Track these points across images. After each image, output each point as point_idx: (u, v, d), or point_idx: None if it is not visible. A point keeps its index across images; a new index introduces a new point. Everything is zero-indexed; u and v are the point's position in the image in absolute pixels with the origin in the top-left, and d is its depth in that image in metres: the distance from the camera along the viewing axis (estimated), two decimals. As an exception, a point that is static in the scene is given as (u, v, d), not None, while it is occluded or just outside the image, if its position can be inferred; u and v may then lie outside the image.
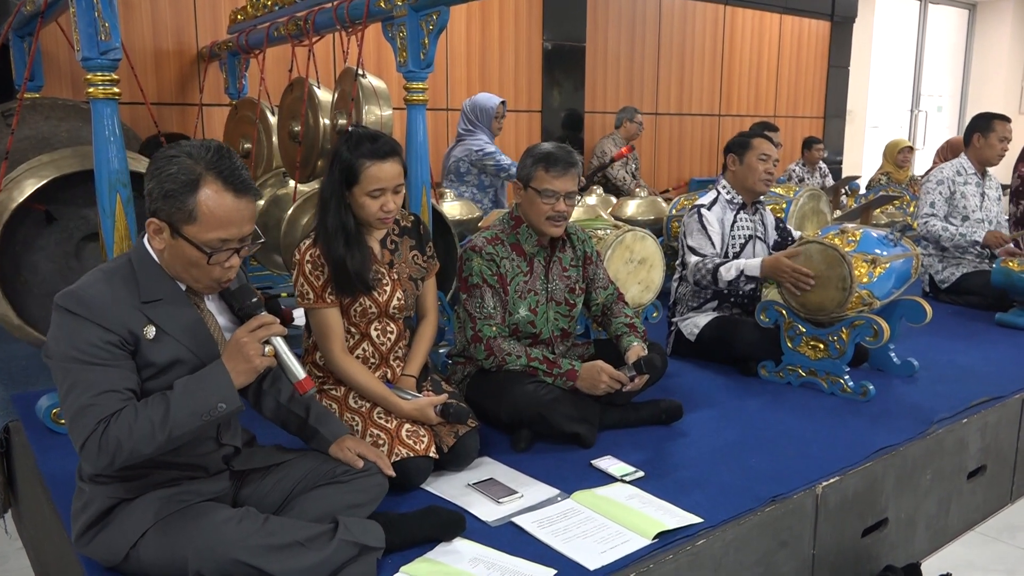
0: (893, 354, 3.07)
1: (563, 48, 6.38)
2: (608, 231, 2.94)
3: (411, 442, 2.06)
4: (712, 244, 3.06)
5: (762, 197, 3.96)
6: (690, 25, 7.28)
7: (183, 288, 1.64)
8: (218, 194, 1.55)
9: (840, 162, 8.90)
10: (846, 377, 2.80)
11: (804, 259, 2.80)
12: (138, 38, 4.56)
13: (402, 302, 2.25)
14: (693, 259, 3.04)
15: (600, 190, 4.90)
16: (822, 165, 7.04)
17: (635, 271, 2.95)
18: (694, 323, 3.20)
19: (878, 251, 2.83)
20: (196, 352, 1.62)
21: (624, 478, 2.15)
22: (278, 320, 1.61)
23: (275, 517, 1.67)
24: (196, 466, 1.70)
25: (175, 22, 4.66)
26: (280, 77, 4.10)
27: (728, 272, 2.94)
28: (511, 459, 2.29)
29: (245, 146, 4.22)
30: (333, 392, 2.21)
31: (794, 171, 6.93)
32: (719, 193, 3.23)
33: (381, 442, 2.05)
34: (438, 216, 3.35)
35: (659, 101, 7.19)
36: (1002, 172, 5.54)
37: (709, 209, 3.13)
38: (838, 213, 5.32)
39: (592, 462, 2.24)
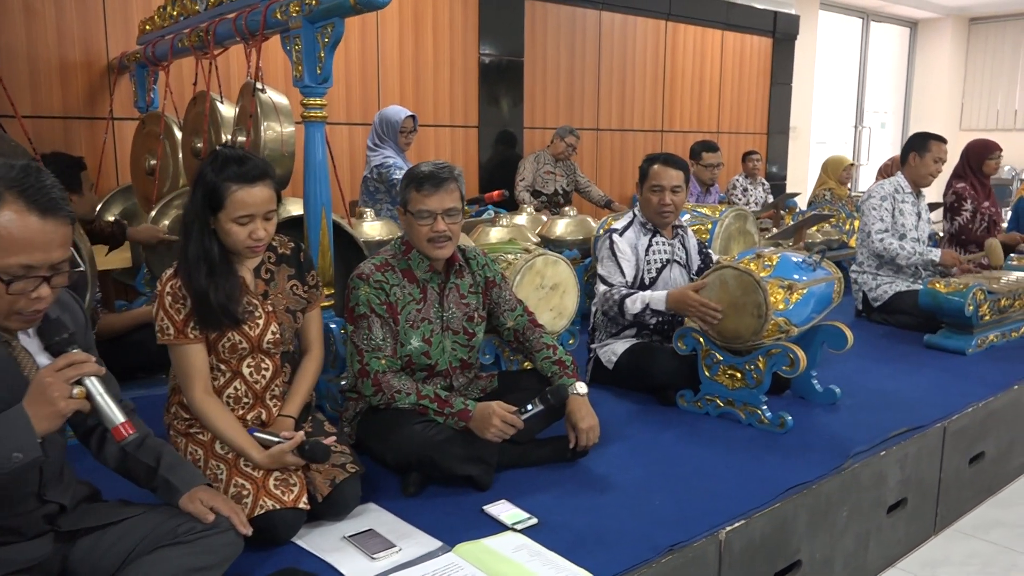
0: (815, 381, 2.97)
1: (501, 62, 6.26)
2: (518, 255, 2.80)
3: (279, 492, 1.88)
4: (621, 273, 2.93)
5: (685, 218, 3.87)
6: (631, 40, 7.21)
7: None
8: (20, 215, 1.37)
9: (784, 178, 8.91)
10: (763, 408, 2.68)
11: (719, 285, 2.68)
12: (42, 48, 4.31)
13: (277, 336, 2.07)
14: (601, 288, 2.91)
15: (531, 209, 4.77)
16: (764, 181, 7.03)
17: (547, 297, 2.80)
18: (612, 350, 3.06)
19: (796, 276, 2.72)
20: (4, 396, 1.42)
21: (515, 526, 1.99)
22: (93, 358, 1.43)
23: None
24: (6, 528, 1.49)
25: (83, 31, 4.42)
26: (189, 91, 3.90)
27: (634, 304, 2.82)
28: (399, 505, 2.11)
29: (151, 162, 4.00)
30: (199, 436, 2.02)
31: (738, 182, 6.91)
32: (634, 216, 3.12)
33: (245, 493, 1.87)
34: (349, 239, 3.17)
35: (600, 117, 7.10)
36: (934, 191, 5.55)
37: (622, 235, 3.01)
38: (774, 230, 5.25)
39: (484, 508, 2.08)
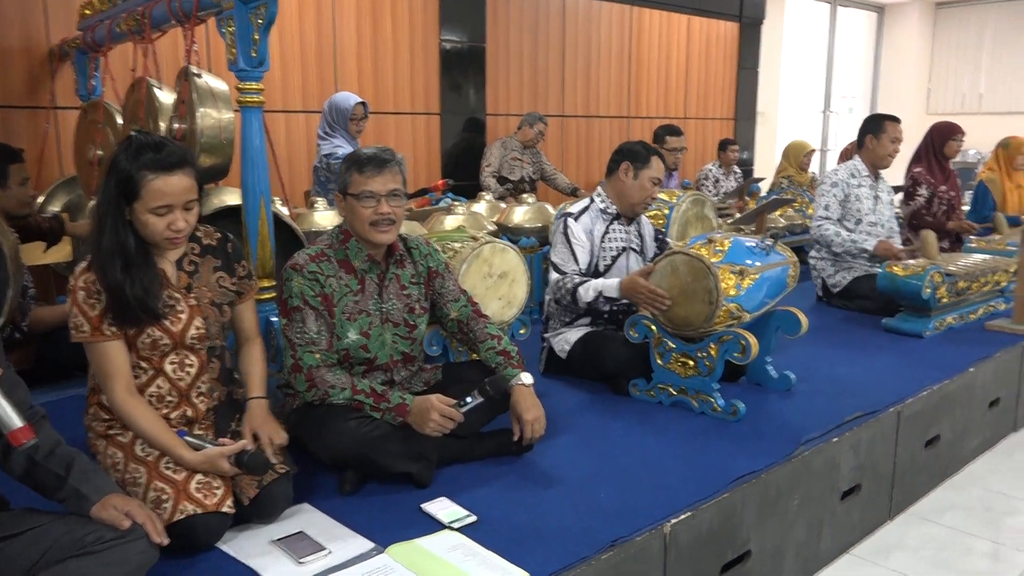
0: (770, 367, 2.93)
1: (462, 48, 6.15)
2: (465, 243, 2.72)
3: (201, 496, 1.80)
4: (575, 259, 2.87)
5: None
6: (596, 25, 7.13)
7: None
8: None
9: (751, 163, 8.89)
10: (716, 395, 2.63)
11: (669, 271, 2.62)
12: (-22, 34, 4.15)
13: (202, 331, 1.98)
14: (554, 276, 2.85)
15: (490, 196, 4.69)
16: (737, 169, 6.98)
17: (495, 286, 2.73)
18: (565, 339, 3.00)
19: (748, 261, 2.67)
20: None
21: (453, 524, 1.92)
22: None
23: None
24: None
25: (21, 16, 4.26)
26: (129, 77, 3.77)
27: (587, 293, 2.76)
28: (334, 505, 2.04)
29: (95, 152, 3.86)
30: (119, 438, 1.93)
31: (711, 171, 6.84)
32: (592, 201, 3.05)
33: (165, 497, 1.78)
34: (290, 230, 3.07)
35: (566, 103, 7.02)
36: (895, 175, 5.53)
37: (577, 219, 2.94)
38: (738, 216, 5.22)
39: (423, 506, 2.01)
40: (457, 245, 2.72)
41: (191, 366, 1.99)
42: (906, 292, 3.58)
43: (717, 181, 6.80)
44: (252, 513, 1.89)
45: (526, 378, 2.28)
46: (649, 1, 7.51)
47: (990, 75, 11.01)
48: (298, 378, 2.13)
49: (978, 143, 10.18)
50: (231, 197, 2.92)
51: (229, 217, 2.84)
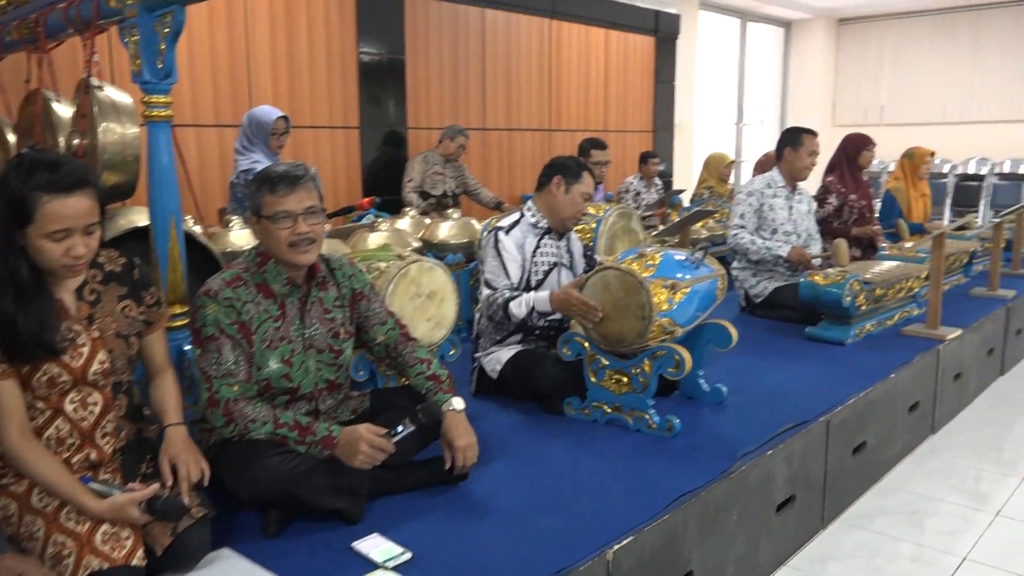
0: (702, 380, 2.92)
1: (381, 61, 6.04)
2: (391, 262, 2.61)
3: (107, 548, 1.64)
4: (507, 274, 2.81)
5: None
6: (515, 38, 7.12)
7: None
8: None
9: (671, 175, 9.04)
10: (651, 412, 2.60)
11: (601, 287, 2.58)
12: None
13: (106, 365, 1.82)
14: (485, 292, 2.78)
15: (414, 212, 4.59)
16: (658, 182, 7.05)
17: (423, 306, 2.63)
18: (497, 359, 2.92)
19: (679, 275, 2.65)
20: None
21: (387, 563, 1.81)
22: None
23: None
24: None
25: (-101, 25, 3.93)
26: (23, 90, 3.51)
27: (519, 308, 2.70)
28: (258, 548, 1.90)
29: (-15, 171, 3.58)
30: (13, 488, 1.75)
31: (631, 184, 6.88)
32: (522, 215, 2.99)
33: (67, 552, 1.62)
34: (204, 251, 2.91)
35: (487, 116, 6.97)
36: (812, 185, 5.68)
37: (508, 233, 2.88)
38: (661, 228, 5.25)
39: (353, 544, 1.89)
40: (383, 264, 2.61)
41: (95, 404, 1.82)
42: (827, 300, 3.65)
43: (638, 194, 6.85)
44: (166, 564, 1.74)
45: (457, 403, 2.20)
46: (567, 15, 7.55)
47: (891, 88, 11.54)
48: (215, 413, 1.99)
49: (881, 153, 10.59)
50: (139, 217, 2.74)
51: (138, 239, 2.66)
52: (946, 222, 10.01)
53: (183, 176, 2.64)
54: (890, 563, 2.58)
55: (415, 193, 5.77)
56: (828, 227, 4.78)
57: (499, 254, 2.81)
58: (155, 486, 1.73)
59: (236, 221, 3.66)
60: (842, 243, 3.88)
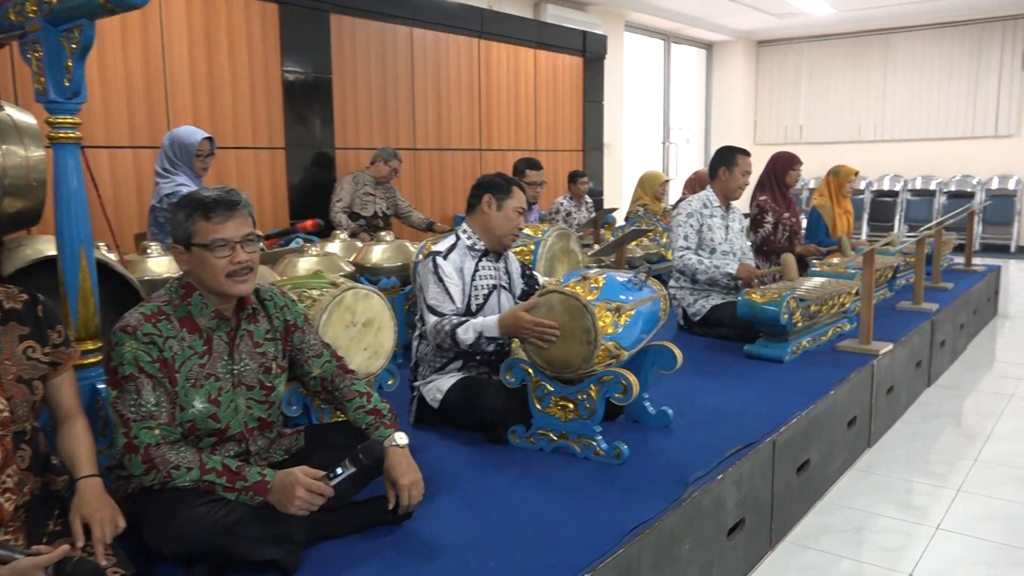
0: (648, 403, 2.87)
1: (307, 79, 5.87)
2: (324, 290, 2.48)
3: (7, 621, 1.46)
4: (451, 299, 2.70)
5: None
6: (444, 58, 7.05)
7: None
8: None
9: (601, 194, 9.10)
10: (599, 439, 2.53)
11: (546, 311, 2.51)
12: None
13: (6, 414, 1.64)
14: (431, 320, 2.66)
15: (345, 235, 4.44)
16: (588, 199, 7.06)
17: (359, 336, 2.50)
18: (437, 387, 2.81)
19: (623, 297, 2.60)
20: None
21: (328, 617, 1.67)
22: None
23: None
24: None
25: None
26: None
27: (467, 333, 2.60)
28: (183, 607, 1.74)
29: None
30: None
31: (562, 204, 6.86)
32: (459, 238, 2.89)
33: (-41, 628, 1.43)
34: (120, 281, 2.71)
35: (417, 136, 6.87)
36: (742, 203, 5.76)
37: (446, 258, 2.78)
38: (596, 247, 5.23)
39: (290, 598, 1.75)
40: (315, 292, 2.48)
41: (-7, 457, 1.63)
42: (765, 319, 3.67)
43: (569, 214, 6.84)
44: (78, 633, 1.56)
45: (400, 439, 2.08)
46: (495, 35, 7.54)
47: (808, 108, 11.95)
48: (133, 459, 1.82)
49: (802, 171, 10.98)
50: (48, 247, 2.53)
51: (48, 270, 2.45)
52: (864, 237, 10.38)
53: (95, 201, 2.46)
54: (840, 583, 2.57)
55: (344, 214, 5.62)
56: (772, 246, 4.84)
57: (440, 279, 2.71)
58: (64, 547, 1.55)
59: (155, 247, 3.45)
60: (790, 258, 3.94)
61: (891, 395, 3.91)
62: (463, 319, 2.65)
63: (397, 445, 2.06)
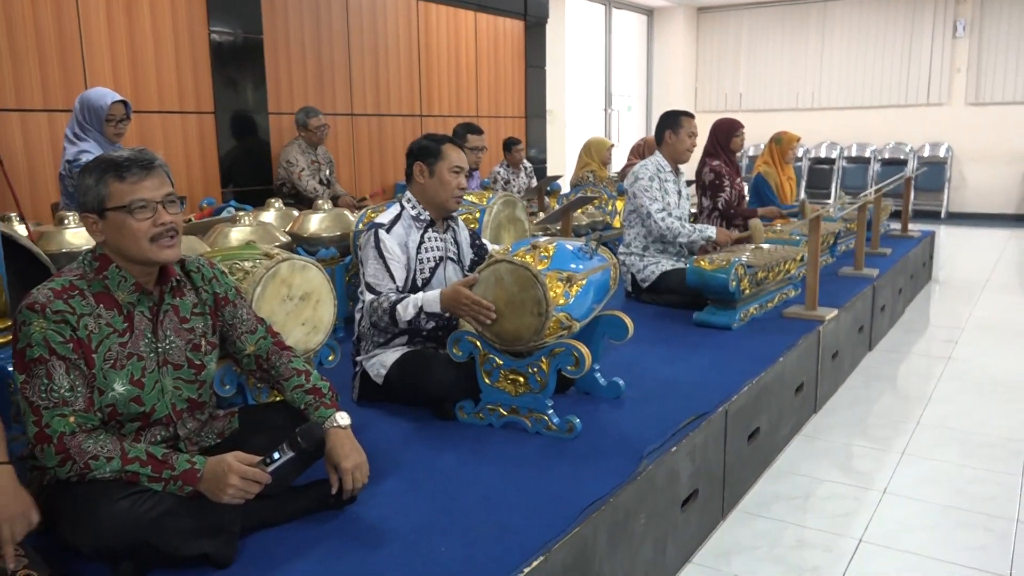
0: (599, 375, 2.80)
1: (235, 41, 5.58)
2: (257, 262, 2.32)
3: (-99, 636, 1.30)
4: (391, 276, 2.56)
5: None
6: (382, 18, 6.80)
7: None
8: None
9: (544, 161, 8.99)
10: (550, 413, 2.44)
11: (494, 281, 2.39)
12: None
13: None
14: (368, 297, 2.53)
15: (279, 204, 4.24)
16: (527, 164, 6.93)
17: (296, 310, 2.35)
18: (381, 362, 2.68)
19: (574, 266, 2.51)
20: None
21: (267, 614, 1.56)
22: None
23: None
24: None
25: None
26: None
27: (406, 310, 2.47)
28: (106, 608, 1.59)
29: None
30: None
31: (499, 173, 6.73)
32: (403, 208, 2.74)
33: None
34: (25, 253, 2.49)
35: (354, 101, 6.63)
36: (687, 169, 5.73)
37: (389, 231, 2.63)
38: (542, 215, 5.13)
39: (226, 594, 1.62)
40: (247, 264, 2.31)
41: None
42: (714, 286, 3.63)
43: (508, 182, 6.72)
44: (-14, 644, 1.41)
45: (342, 419, 1.95)
46: (435, -4, 7.31)
47: (748, 75, 12.00)
48: (46, 450, 1.65)
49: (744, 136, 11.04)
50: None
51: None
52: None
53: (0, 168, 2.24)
54: (791, 551, 2.55)
55: (314, 179, 5.47)
56: (737, 209, 4.82)
57: (381, 255, 2.56)
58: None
59: (72, 217, 3.22)
60: (757, 223, 3.92)
61: (836, 360, 3.94)
62: (403, 295, 2.51)
63: (339, 426, 1.93)
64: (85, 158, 3.59)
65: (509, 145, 6.71)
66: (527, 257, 2.42)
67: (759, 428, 3.01)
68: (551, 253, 2.48)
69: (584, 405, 2.67)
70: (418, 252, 2.67)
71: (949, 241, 9.03)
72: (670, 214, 4.13)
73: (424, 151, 2.70)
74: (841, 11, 11.20)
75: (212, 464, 1.69)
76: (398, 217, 2.67)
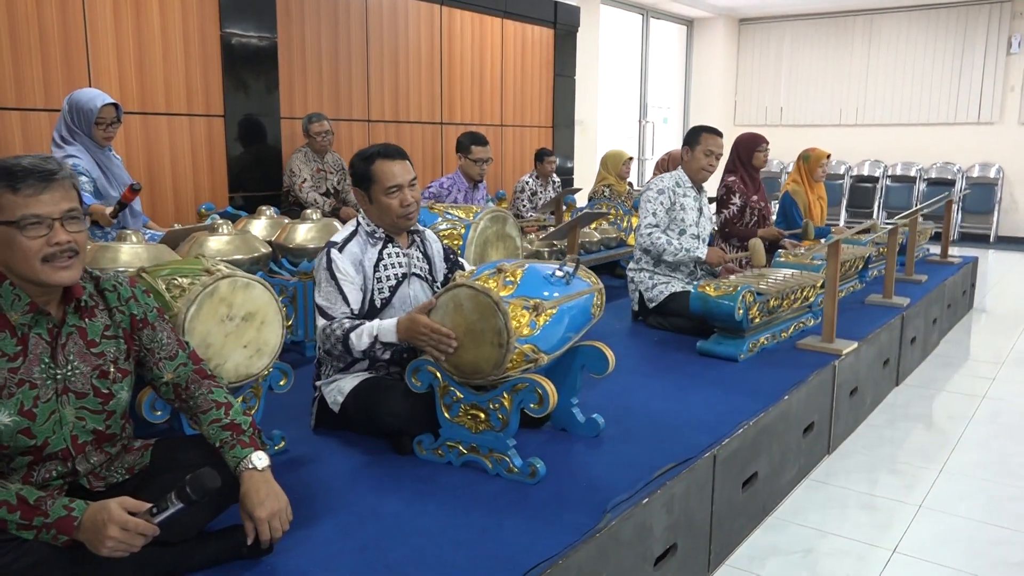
0: (577, 410, 2.56)
1: (249, 43, 5.47)
2: (196, 278, 2.14)
3: None
4: (345, 299, 2.37)
5: (436, 222, 3.37)
6: (403, 24, 6.65)
7: None
8: None
9: (571, 172, 8.76)
10: (511, 453, 2.22)
11: (452, 307, 2.18)
12: None
13: None
14: (321, 323, 2.33)
15: (271, 211, 4.09)
16: (556, 178, 6.72)
17: (238, 331, 2.17)
18: (339, 389, 2.49)
19: (545, 293, 2.28)
20: None
21: None
22: None
23: None
24: None
25: None
26: None
27: (360, 339, 2.27)
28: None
29: None
30: None
31: (527, 183, 6.54)
32: (358, 224, 2.54)
33: None
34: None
35: (372, 107, 6.48)
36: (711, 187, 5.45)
37: (342, 250, 2.43)
38: (551, 229, 4.91)
39: (94, 661, 1.43)
40: (185, 281, 2.13)
41: None
42: (719, 314, 3.37)
43: (535, 193, 6.52)
44: None
45: (259, 460, 1.75)
46: (459, 2, 7.14)
47: (789, 89, 11.61)
48: (-93, 488, 1.48)
49: (781, 154, 10.68)
50: None
51: None
52: (843, 224, 10.12)
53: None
54: (781, 617, 2.29)
55: (315, 191, 5.32)
56: (733, 229, 4.55)
57: (333, 276, 2.37)
58: None
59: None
60: (758, 243, 3.67)
61: (854, 397, 3.63)
62: (357, 322, 2.31)
63: (254, 468, 1.74)
64: (73, 162, 3.47)
65: (541, 156, 6.52)
66: (490, 282, 2.20)
67: (757, 473, 2.74)
68: (518, 278, 2.25)
69: (556, 444, 2.44)
70: (376, 270, 2.46)
71: (997, 267, 8.56)
72: (675, 231, 3.88)
73: (359, 178, 2.49)
74: (888, 24, 10.77)
75: (92, 511, 1.51)
76: (353, 234, 2.47)
